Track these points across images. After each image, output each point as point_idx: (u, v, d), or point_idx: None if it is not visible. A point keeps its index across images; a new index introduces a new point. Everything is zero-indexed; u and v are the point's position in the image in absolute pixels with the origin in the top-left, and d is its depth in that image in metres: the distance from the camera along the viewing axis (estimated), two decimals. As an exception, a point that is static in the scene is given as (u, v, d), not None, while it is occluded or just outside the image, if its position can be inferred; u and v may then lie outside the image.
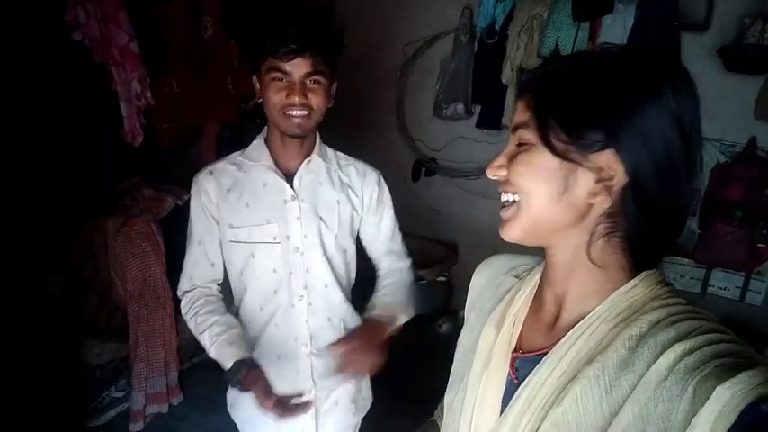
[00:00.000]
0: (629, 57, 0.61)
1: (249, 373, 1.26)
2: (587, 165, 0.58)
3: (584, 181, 0.58)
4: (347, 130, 2.88)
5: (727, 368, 0.49)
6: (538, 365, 0.62)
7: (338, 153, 1.48)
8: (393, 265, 1.53)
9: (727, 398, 0.46)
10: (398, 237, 1.57)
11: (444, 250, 3.75)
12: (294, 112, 1.26)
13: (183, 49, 2.76)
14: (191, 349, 3.01)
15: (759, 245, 2.63)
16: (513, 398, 0.63)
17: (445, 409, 0.77)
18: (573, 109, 0.59)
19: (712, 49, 2.59)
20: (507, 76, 3.12)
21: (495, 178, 0.66)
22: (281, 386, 1.34)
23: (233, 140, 3.01)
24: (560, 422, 0.57)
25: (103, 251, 2.50)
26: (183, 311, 1.41)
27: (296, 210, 1.35)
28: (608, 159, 0.57)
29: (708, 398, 0.47)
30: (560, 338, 0.63)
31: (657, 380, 0.52)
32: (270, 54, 1.23)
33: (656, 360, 0.53)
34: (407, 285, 1.51)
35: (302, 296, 1.38)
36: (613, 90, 0.57)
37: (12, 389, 2.14)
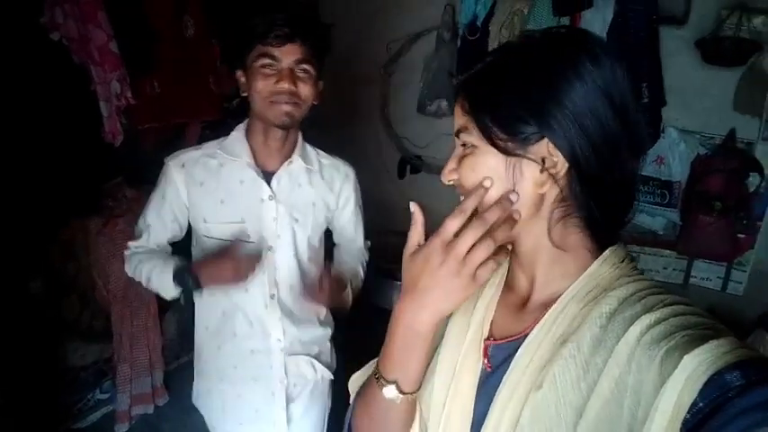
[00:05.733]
0: (547, 42, 0.61)
1: (194, 267, 1.29)
2: (529, 157, 0.59)
3: (530, 173, 0.60)
4: (332, 127, 2.89)
5: (693, 338, 0.50)
6: (518, 353, 0.63)
7: (319, 151, 1.49)
8: (351, 244, 1.59)
9: (693, 367, 0.47)
10: (361, 226, 1.61)
11: (431, 247, 3.76)
12: (282, 99, 1.24)
13: (165, 49, 2.75)
14: (176, 349, 3.00)
15: (739, 235, 2.66)
16: (499, 387, 0.63)
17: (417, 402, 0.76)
18: (503, 106, 0.60)
19: (691, 43, 2.61)
20: (489, 71, 3.12)
21: (449, 183, 0.67)
22: (256, 380, 1.41)
23: (215, 139, 2.99)
24: (540, 406, 0.58)
25: (85, 252, 2.48)
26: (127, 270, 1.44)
27: (272, 210, 1.35)
28: (547, 148, 0.58)
29: (675, 367, 0.48)
30: (531, 322, 0.65)
31: (627, 352, 0.53)
32: (259, 40, 1.21)
33: (624, 333, 0.54)
34: (362, 260, 1.59)
35: (273, 295, 1.39)
36: (535, 79, 0.59)
37: (10, 391, 2.12)
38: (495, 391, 0.63)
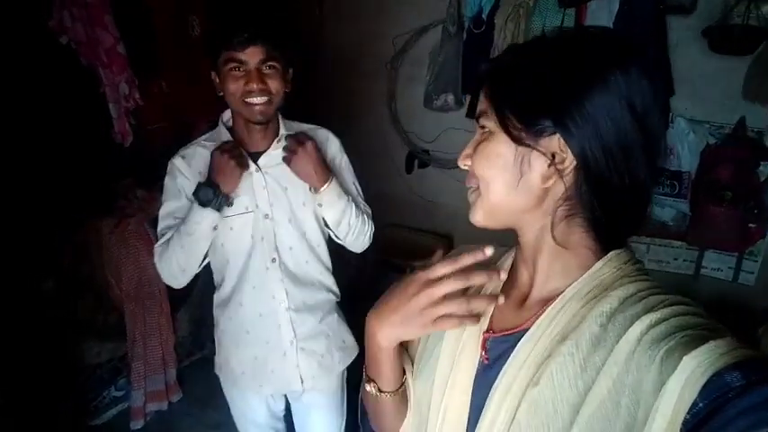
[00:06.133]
0: (579, 42, 0.62)
1: (209, 180, 1.36)
2: (539, 149, 0.60)
3: (538, 165, 0.60)
4: (339, 123, 2.89)
5: (693, 339, 0.50)
6: (516, 348, 0.63)
7: (300, 124, 1.58)
8: None
9: (692, 367, 0.47)
10: (356, 187, 1.64)
11: (439, 241, 3.76)
12: (254, 100, 1.34)
13: (171, 50, 2.77)
14: (188, 346, 3.04)
15: (750, 225, 2.64)
16: (496, 381, 0.63)
17: (412, 393, 0.77)
18: (523, 96, 0.61)
19: (699, 32, 2.57)
20: (495, 64, 3.11)
21: (465, 168, 0.69)
22: (268, 342, 1.55)
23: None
24: (537, 402, 0.58)
25: (98, 252, 2.51)
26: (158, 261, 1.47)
27: (261, 180, 1.46)
28: (558, 144, 0.59)
29: (675, 368, 0.48)
30: (530, 317, 0.65)
31: (627, 351, 0.53)
32: (224, 46, 1.32)
33: (624, 333, 0.55)
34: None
35: (275, 258, 1.50)
36: (559, 76, 0.59)
37: (12, 391, 2.16)
38: (492, 384, 0.64)
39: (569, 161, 0.59)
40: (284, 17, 1.54)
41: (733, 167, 2.58)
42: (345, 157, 1.62)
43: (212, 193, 1.35)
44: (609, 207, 0.61)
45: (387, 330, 0.67)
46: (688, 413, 0.47)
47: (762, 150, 2.59)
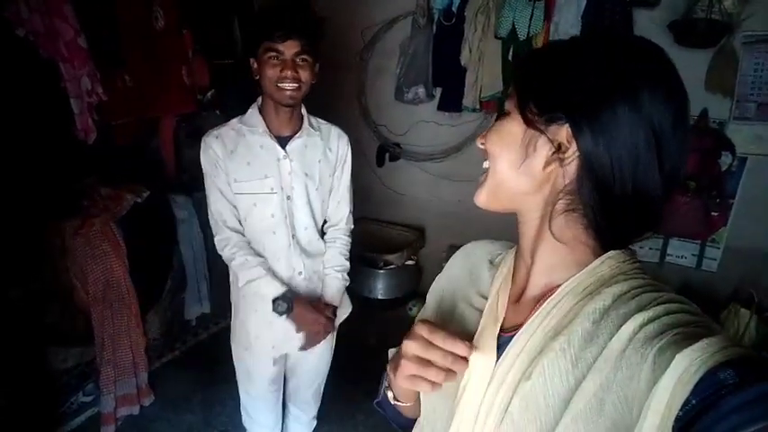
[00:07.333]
0: (618, 49, 0.60)
1: (294, 301, 1.68)
2: (547, 135, 0.61)
3: (543, 150, 0.61)
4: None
5: (685, 336, 0.50)
6: (510, 343, 0.64)
7: (318, 119, 1.80)
8: (336, 232, 1.86)
9: (685, 365, 0.47)
10: (350, 194, 1.86)
11: (412, 234, 3.77)
12: (286, 85, 1.55)
13: (134, 42, 2.67)
14: (160, 348, 2.97)
15: (713, 213, 2.73)
16: (490, 376, 0.64)
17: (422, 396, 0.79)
18: (546, 85, 0.62)
19: (664, 25, 2.64)
20: (466, 57, 3.12)
21: (480, 147, 0.70)
22: None
23: (191, 132, 2.94)
24: (528, 396, 0.59)
25: (62, 255, 2.42)
26: (225, 256, 1.70)
27: (287, 166, 1.67)
28: (566, 134, 0.59)
29: (668, 365, 0.48)
30: (526, 313, 0.65)
31: (618, 350, 0.54)
32: (265, 37, 1.52)
33: (617, 331, 0.55)
34: (347, 243, 1.88)
35: (293, 235, 1.72)
36: (585, 75, 0.59)
37: None
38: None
39: (572, 152, 0.59)
40: (316, 18, 1.71)
41: (696, 158, 2.66)
42: (350, 157, 1.83)
43: (285, 309, 1.66)
44: (609, 210, 0.61)
45: (392, 369, 0.70)
46: (680, 410, 0.47)
47: (724, 141, 2.68)
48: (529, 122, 0.62)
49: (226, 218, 1.67)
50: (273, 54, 1.53)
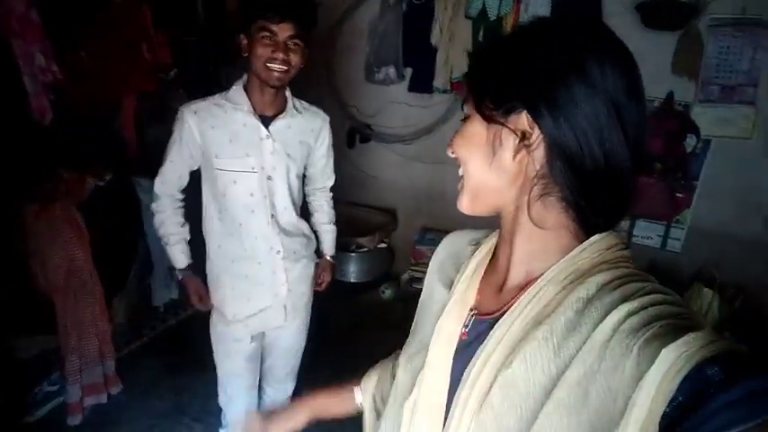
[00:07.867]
0: (555, 28, 0.62)
1: (190, 279, 1.85)
2: (509, 126, 0.61)
3: (508, 142, 0.61)
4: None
5: (671, 329, 0.50)
6: (494, 328, 0.63)
7: (302, 101, 1.82)
8: (320, 179, 1.99)
9: (671, 360, 0.47)
10: (331, 165, 1.99)
11: (384, 217, 3.76)
12: (275, 66, 1.55)
13: (91, 17, 2.55)
14: (126, 335, 2.91)
15: (678, 194, 2.80)
16: (471, 362, 0.64)
17: (400, 364, 0.80)
18: (497, 79, 0.63)
19: (632, 6, 2.66)
20: (436, 37, 3.09)
21: (452, 156, 0.70)
22: (262, 284, 1.82)
23: (153, 112, 2.84)
24: (509, 384, 0.58)
25: (22, 240, 2.32)
26: (153, 209, 1.80)
27: (269, 146, 1.68)
28: (526, 121, 0.59)
29: (653, 360, 0.48)
30: (508, 301, 0.65)
31: (602, 340, 0.53)
32: (261, 16, 1.52)
33: (601, 321, 0.54)
34: (331, 207, 2.08)
35: (273, 215, 1.75)
36: (529, 60, 0.60)
37: None
38: (468, 364, 0.64)
39: (536, 136, 0.59)
40: (311, 4, 1.71)
41: (662, 140, 2.71)
42: (331, 139, 1.92)
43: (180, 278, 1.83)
44: (585, 189, 0.60)
45: None
46: (667, 407, 0.47)
47: (689, 123, 2.73)
48: (488, 119, 0.63)
49: (166, 182, 1.75)
50: (267, 34, 1.53)
